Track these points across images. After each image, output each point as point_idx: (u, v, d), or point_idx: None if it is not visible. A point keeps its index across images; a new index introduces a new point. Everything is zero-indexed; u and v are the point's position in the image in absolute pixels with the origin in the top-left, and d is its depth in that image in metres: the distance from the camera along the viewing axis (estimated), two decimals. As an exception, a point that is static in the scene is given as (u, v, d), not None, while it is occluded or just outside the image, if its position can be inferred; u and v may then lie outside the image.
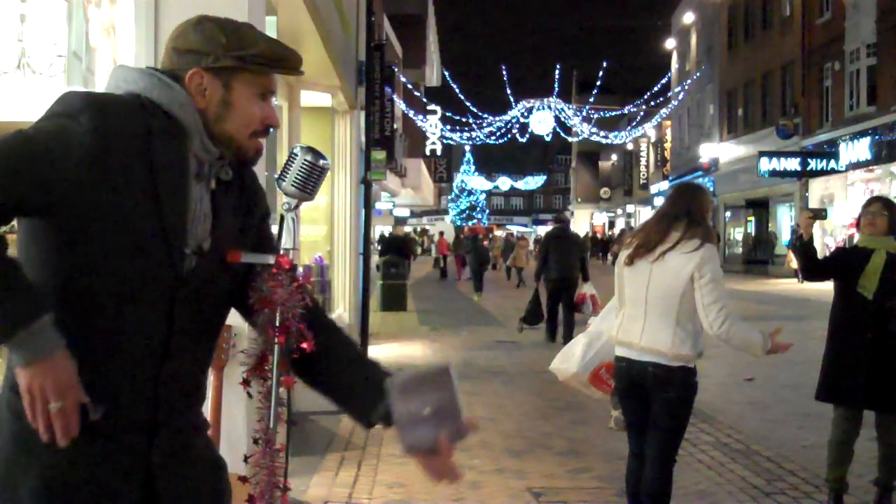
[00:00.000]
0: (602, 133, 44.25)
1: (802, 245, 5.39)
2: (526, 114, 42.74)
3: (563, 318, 13.04)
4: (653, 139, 52.35)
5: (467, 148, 63.49)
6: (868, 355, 5.06)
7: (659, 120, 45.56)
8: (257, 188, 2.00)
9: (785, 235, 32.00)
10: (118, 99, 1.75)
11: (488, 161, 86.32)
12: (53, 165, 1.63)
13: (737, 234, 38.67)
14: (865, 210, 5.29)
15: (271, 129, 1.91)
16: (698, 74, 41.38)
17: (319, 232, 9.88)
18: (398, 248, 22.55)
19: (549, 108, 43.16)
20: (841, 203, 27.06)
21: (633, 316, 4.37)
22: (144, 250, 1.72)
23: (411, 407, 1.81)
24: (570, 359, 4.91)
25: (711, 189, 37.94)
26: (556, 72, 44.47)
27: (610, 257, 31.17)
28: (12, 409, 1.73)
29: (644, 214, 53.16)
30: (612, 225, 65.13)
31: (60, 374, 1.61)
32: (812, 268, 5.40)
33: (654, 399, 4.31)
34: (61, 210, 1.66)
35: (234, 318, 2.02)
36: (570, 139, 60.57)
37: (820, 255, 5.61)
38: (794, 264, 26.43)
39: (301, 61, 1.90)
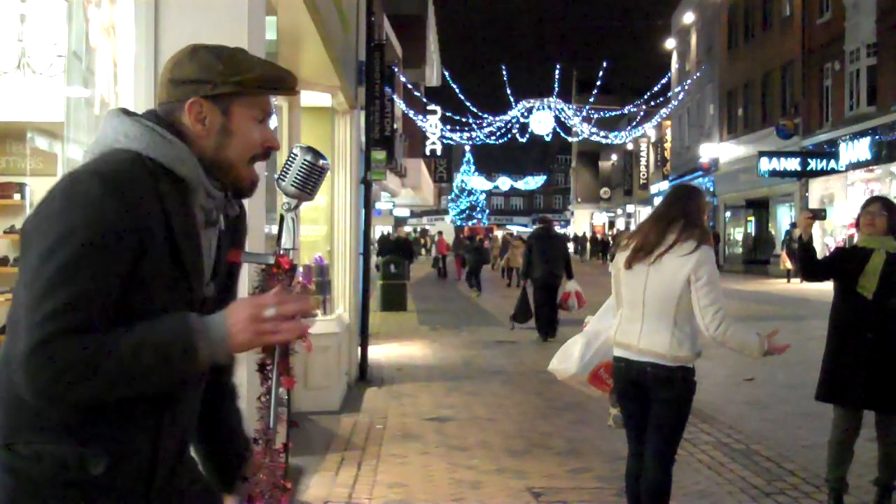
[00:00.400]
0: (602, 133, 44.21)
1: (802, 245, 5.39)
2: (526, 114, 42.69)
3: (546, 315, 13.65)
4: (653, 139, 52.34)
5: (467, 148, 63.50)
6: (868, 355, 5.06)
7: (659, 120, 45.54)
8: (245, 225, 2.07)
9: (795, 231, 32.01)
10: (130, 173, 1.73)
11: (488, 161, 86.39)
12: (108, 277, 1.67)
13: (737, 234, 38.67)
14: (865, 210, 5.29)
15: (271, 152, 1.93)
16: (698, 74, 41.38)
17: (319, 232, 9.87)
18: (402, 250, 22.44)
19: (549, 108, 43.12)
20: (841, 203, 27.06)
21: (631, 318, 4.38)
22: (174, 309, 1.76)
23: None
24: (569, 359, 4.91)
25: (711, 189, 37.97)
26: (556, 72, 44.47)
27: (609, 258, 31.16)
28: (6, 467, 1.72)
29: (644, 214, 53.11)
30: (612, 225, 65.12)
31: (244, 311, 1.70)
32: (812, 268, 5.40)
33: (653, 399, 4.31)
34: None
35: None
36: (570, 139, 60.52)
37: (819, 256, 5.61)
38: (789, 264, 26.71)
39: (296, 81, 1.92)
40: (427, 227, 65.00)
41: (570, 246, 59.61)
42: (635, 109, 45.76)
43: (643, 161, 55.38)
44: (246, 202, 2.06)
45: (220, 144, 1.84)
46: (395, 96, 23.92)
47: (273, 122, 1.98)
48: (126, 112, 1.86)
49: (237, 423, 2.17)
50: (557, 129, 44.43)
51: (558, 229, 16.04)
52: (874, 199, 5.44)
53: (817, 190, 29.06)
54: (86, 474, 1.70)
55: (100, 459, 1.71)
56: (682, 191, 4.58)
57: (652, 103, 43.54)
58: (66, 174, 1.76)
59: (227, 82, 1.81)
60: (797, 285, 24.28)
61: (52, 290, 1.62)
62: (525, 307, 14.41)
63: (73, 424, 1.71)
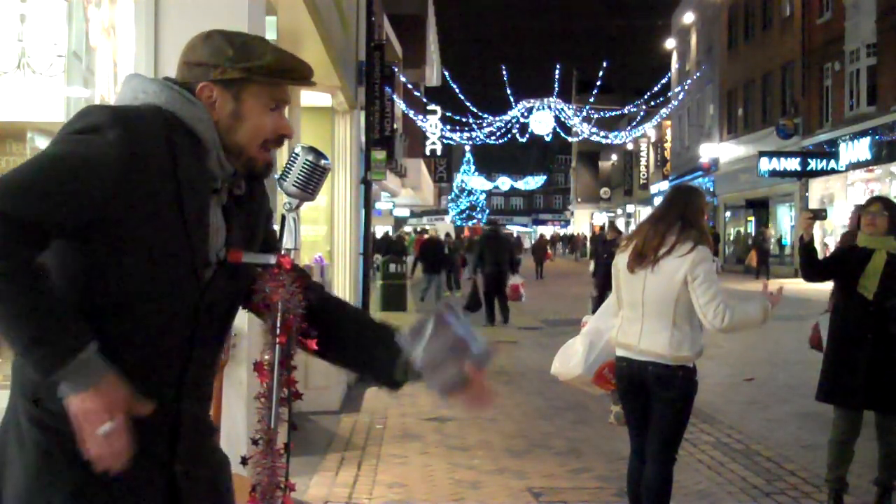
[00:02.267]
0: (602, 133, 44.21)
1: (803, 246, 5.39)
2: (526, 114, 42.69)
3: (499, 303, 15.73)
4: (653, 139, 52.32)
5: (467, 148, 63.44)
6: (868, 356, 5.05)
7: (659, 120, 45.52)
8: (265, 199, 2.04)
9: (785, 236, 32.04)
10: (143, 113, 1.76)
11: (488, 161, 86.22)
12: (84, 185, 1.65)
13: (737, 233, 38.70)
14: (866, 210, 5.28)
15: (285, 139, 1.93)
16: (698, 74, 41.36)
17: (319, 232, 9.88)
18: (435, 254, 20.56)
19: (549, 108, 43.11)
20: (841, 203, 27.05)
21: (631, 318, 4.40)
22: (173, 263, 1.76)
23: (429, 351, 1.87)
24: (572, 360, 4.90)
25: (711, 189, 37.96)
26: (556, 72, 44.48)
27: (589, 256, 31.15)
28: (35, 421, 1.74)
29: (644, 214, 53.05)
30: (612, 225, 65.07)
31: (107, 399, 1.64)
32: (812, 268, 5.39)
33: (654, 398, 4.33)
34: (94, 228, 1.69)
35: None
36: (570, 139, 60.51)
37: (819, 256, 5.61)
38: (754, 262, 27.23)
39: (311, 72, 1.91)
40: (427, 227, 64.99)
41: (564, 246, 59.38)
42: (635, 109, 45.75)
43: (643, 161, 55.36)
44: None
45: (231, 128, 1.85)
46: (395, 96, 23.91)
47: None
48: (142, 76, 1.88)
49: (363, 320, 2.10)
50: (557, 129, 44.43)
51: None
52: (875, 199, 5.43)
53: (817, 190, 29.05)
54: None
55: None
56: (680, 191, 4.60)
57: (652, 103, 43.55)
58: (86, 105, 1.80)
59: (236, 68, 1.82)
60: (797, 285, 24.28)
61: (28, 174, 1.64)
62: (475, 298, 16.10)
63: None
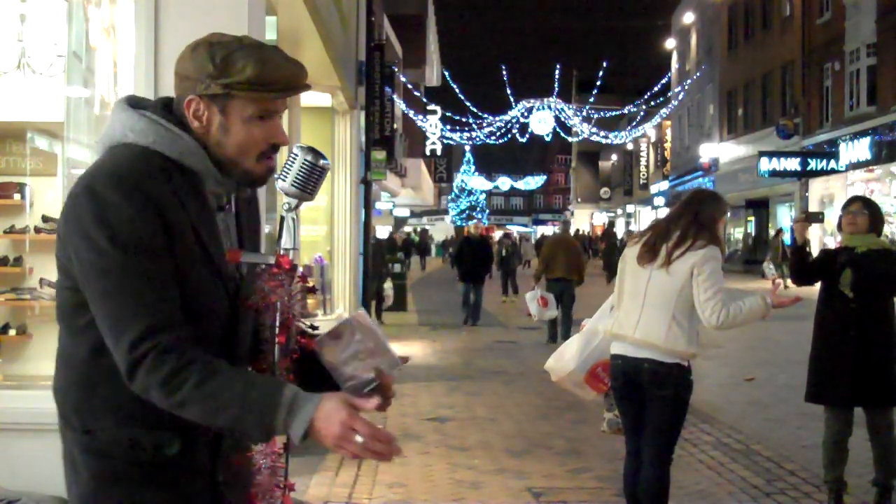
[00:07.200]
0: (602, 133, 44.20)
1: (795, 248, 5.42)
2: (526, 114, 42.66)
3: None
4: (653, 139, 52.32)
5: (467, 148, 63.38)
6: (852, 353, 5.08)
7: (659, 120, 45.49)
8: (257, 208, 2.10)
9: (784, 236, 32.02)
10: (142, 168, 1.78)
11: (488, 161, 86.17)
12: (166, 265, 1.75)
13: (737, 234, 38.68)
14: (846, 210, 5.37)
15: (280, 147, 1.94)
16: (698, 74, 41.36)
17: (319, 232, 9.89)
18: (481, 254, 17.17)
19: (549, 108, 43.10)
20: (841, 203, 27.00)
21: (630, 309, 4.41)
22: (211, 292, 1.84)
23: (350, 351, 1.92)
24: (566, 355, 4.93)
25: (712, 189, 37.94)
26: (556, 72, 44.43)
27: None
28: (88, 448, 1.81)
29: (644, 214, 53.13)
30: (612, 225, 65.10)
31: (337, 416, 1.67)
32: (803, 271, 5.42)
33: (649, 397, 4.33)
34: None
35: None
36: (570, 139, 60.51)
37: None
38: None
39: (298, 80, 1.87)
40: (427, 227, 64.95)
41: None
42: (635, 109, 45.73)
43: (643, 161, 55.36)
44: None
45: (220, 142, 1.85)
46: (395, 96, 23.91)
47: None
48: (133, 104, 1.88)
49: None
50: (557, 129, 44.41)
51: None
52: (854, 199, 5.53)
53: (817, 190, 29.05)
54: (160, 455, 1.79)
55: (173, 441, 1.80)
56: (695, 196, 4.63)
57: (652, 103, 43.52)
58: (84, 176, 1.80)
59: (217, 83, 1.81)
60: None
61: (130, 309, 1.71)
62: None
63: (145, 411, 1.77)
